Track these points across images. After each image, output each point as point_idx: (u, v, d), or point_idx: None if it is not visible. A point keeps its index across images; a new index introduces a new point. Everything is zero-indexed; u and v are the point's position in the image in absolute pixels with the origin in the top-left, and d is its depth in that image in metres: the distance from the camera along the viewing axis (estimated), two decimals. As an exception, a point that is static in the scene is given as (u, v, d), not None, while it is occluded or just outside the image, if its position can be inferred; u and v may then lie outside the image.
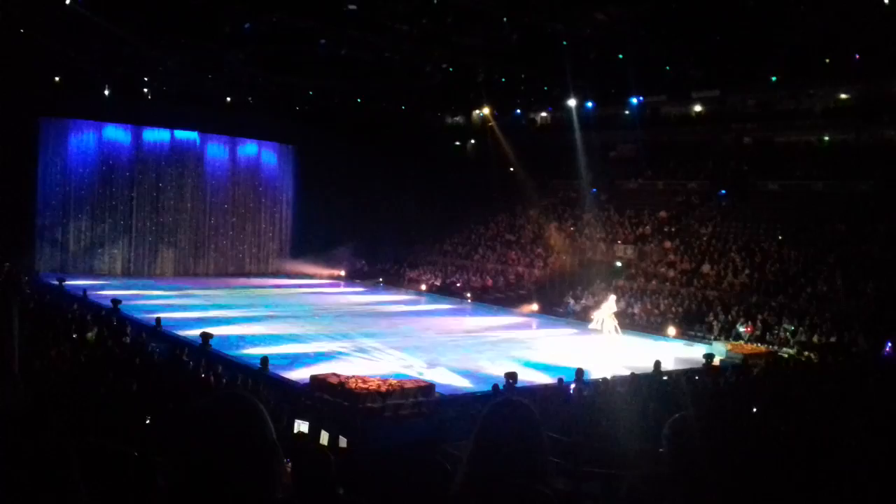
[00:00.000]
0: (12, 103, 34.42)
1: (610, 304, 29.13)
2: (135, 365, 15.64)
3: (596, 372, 20.20)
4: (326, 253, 44.64)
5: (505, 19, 27.83)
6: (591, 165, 42.95)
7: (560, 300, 35.69)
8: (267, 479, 2.09)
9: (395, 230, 45.34)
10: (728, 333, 28.52)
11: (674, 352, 26.12)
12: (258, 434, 2.11)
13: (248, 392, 2.31)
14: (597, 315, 29.40)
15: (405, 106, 46.22)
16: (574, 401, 16.83)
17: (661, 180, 42.64)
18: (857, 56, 31.97)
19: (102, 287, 33.07)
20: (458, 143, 52.33)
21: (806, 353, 24.72)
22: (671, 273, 34.54)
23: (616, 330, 28.55)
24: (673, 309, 31.64)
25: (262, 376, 17.87)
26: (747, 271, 32.15)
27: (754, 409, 13.74)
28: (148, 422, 10.86)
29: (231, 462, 2.04)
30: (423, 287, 41.76)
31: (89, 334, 18.23)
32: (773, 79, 35.72)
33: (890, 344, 22.94)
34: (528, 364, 22.66)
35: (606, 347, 26.68)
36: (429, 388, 17.94)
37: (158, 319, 24.12)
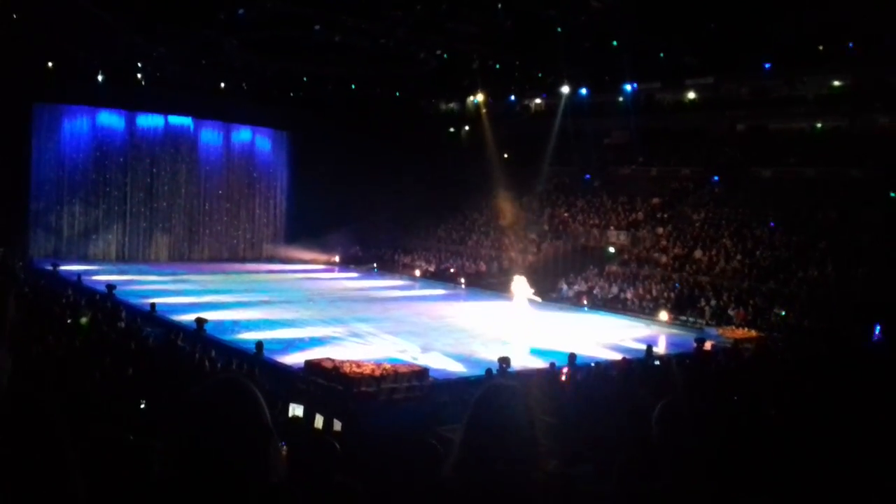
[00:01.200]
0: (6, 89, 34.30)
1: (521, 285, 28.63)
2: (130, 350, 15.71)
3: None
4: (321, 238, 44.65)
5: (499, 6, 27.83)
6: (584, 152, 43.04)
7: (554, 285, 35.80)
8: (263, 463, 2.10)
9: (389, 216, 45.38)
10: (720, 318, 28.69)
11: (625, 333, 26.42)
12: (254, 419, 2.11)
13: (243, 377, 2.36)
14: (518, 298, 28.45)
15: (399, 92, 46.16)
16: (566, 385, 16.95)
17: (654, 167, 42.74)
18: (851, 44, 32.05)
19: (97, 272, 33.09)
20: (452, 129, 52.36)
21: (796, 337, 24.87)
22: (664, 259, 34.69)
23: (529, 301, 28.08)
24: (665, 294, 31.81)
25: (256, 361, 17.94)
26: (739, 257, 32.31)
27: (744, 394, 13.87)
28: (143, 407, 10.93)
29: (227, 447, 2.05)
30: (418, 272, 41.83)
31: (83, 319, 18.26)
32: (767, 66, 35.77)
33: (879, 328, 23.09)
34: (521, 349, 22.77)
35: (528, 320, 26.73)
36: (423, 372, 18.07)
37: (153, 305, 24.16)
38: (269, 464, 2.11)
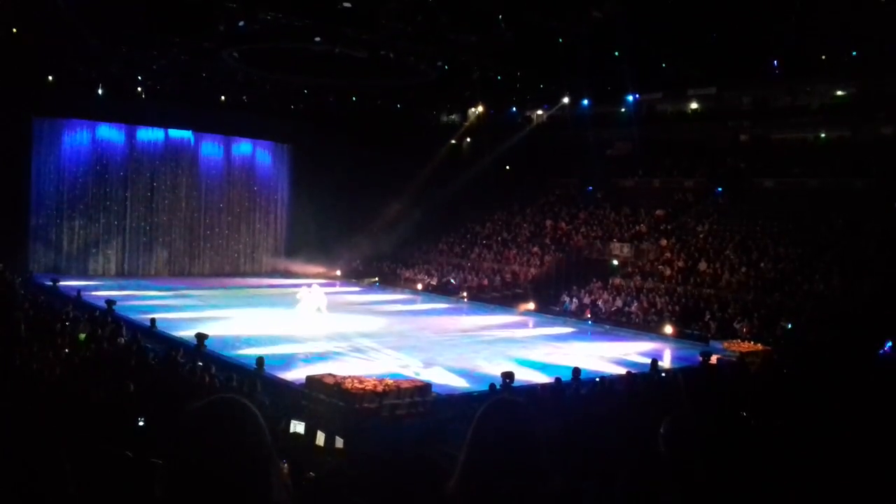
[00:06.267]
0: (5, 103, 34.34)
1: (314, 294, 31.15)
2: (130, 366, 15.55)
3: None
4: (322, 252, 44.58)
5: (500, 17, 27.75)
6: (587, 163, 42.99)
7: (556, 299, 35.68)
8: (263, 484, 2.06)
9: (390, 229, 45.30)
10: (725, 331, 28.49)
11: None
12: (253, 439, 2.08)
13: (241, 397, 2.25)
14: (306, 304, 30.92)
15: (400, 104, 46.13)
16: (571, 399, 16.78)
17: (657, 178, 42.69)
18: (854, 53, 31.94)
19: (96, 287, 32.97)
20: (453, 141, 52.34)
21: (802, 350, 24.67)
22: (668, 271, 34.53)
23: (320, 309, 30.62)
24: (669, 307, 31.62)
25: (257, 377, 17.79)
26: (744, 269, 32.14)
27: (750, 408, 13.70)
28: (141, 423, 10.77)
29: (227, 468, 2.00)
30: (419, 286, 41.70)
31: (81, 335, 18.13)
32: (770, 76, 35.64)
33: (890, 344, 22.85)
34: (524, 363, 22.64)
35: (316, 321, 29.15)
36: (425, 387, 17.92)
37: (153, 320, 24.03)
38: (270, 484, 2.06)
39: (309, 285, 32.59)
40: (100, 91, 39.36)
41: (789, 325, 27.36)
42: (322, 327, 28.44)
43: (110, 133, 43.18)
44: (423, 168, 45.97)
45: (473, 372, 21.54)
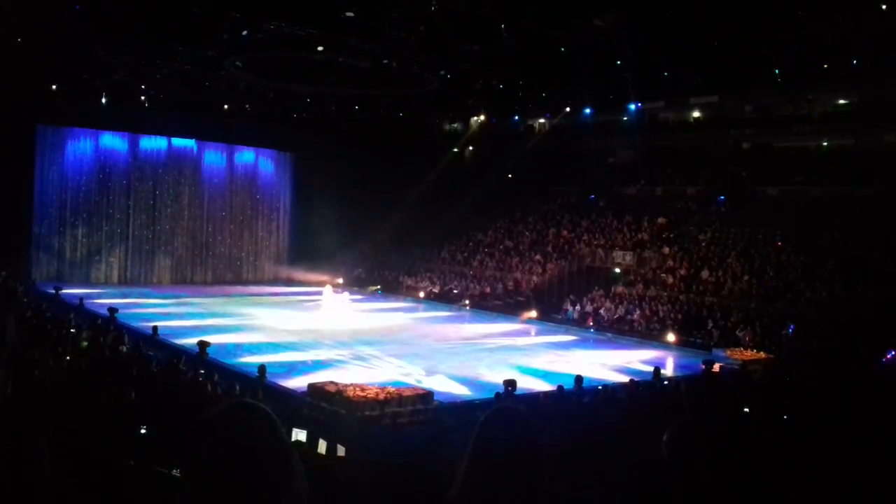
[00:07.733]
0: (9, 111, 34.37)
1: (328, 294, 34.45)
2: (132, 374, 15.52)
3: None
4: (324, 260, 44.57)
5: (503, 26, 27.80)
6: (589, 171, 42.96)
7: (559, 307, 35.63)
8: (286, 479, 2.05)
9: (392, 237, 45.29)
10: (727, 339, 28.44)
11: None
12: (275, 439, 2.08)
13: (256, 401, 2.28)
14: (327, 304, 33.79)
15: (403, 113, 46.19)
16: (573, 407, 16.73)
17: (659, 186, 42.62)
18: (856, 62, 31.96)
19: (99, 295, 32.95)
20: (456, 149, 52.39)
21: (805, 359, 24.60)
22: (670, 279, 34.47)
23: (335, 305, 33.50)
24: (672, 315, 31.57)
25: (259, 385, 17.76)
26: (746, 277, 32.08)
27: (753, 416, 13.67)
28: (143, 431, 10.76)
29: (250, 470, 2.00)
30: (422, 294, 41.66)
31: (83, 343, 18.12)
32: (772, 84, 35.64)
33: (893, 352, 22.77)
34: (526, 371, 22.60)
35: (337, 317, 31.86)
36: (427, 395, 17.91)
37: (155, 328, 23.99)
38: (292, 479, 2.06)
39: (326, 290, 34.92)
40: (103, 100, 39.50)
41: (791, 327, 27.32)
42: (330, 328, 29.83)
43: (113, 141, 43.31)
44: (426, 176, 45.98)
45: (475, 380, 21.53)
